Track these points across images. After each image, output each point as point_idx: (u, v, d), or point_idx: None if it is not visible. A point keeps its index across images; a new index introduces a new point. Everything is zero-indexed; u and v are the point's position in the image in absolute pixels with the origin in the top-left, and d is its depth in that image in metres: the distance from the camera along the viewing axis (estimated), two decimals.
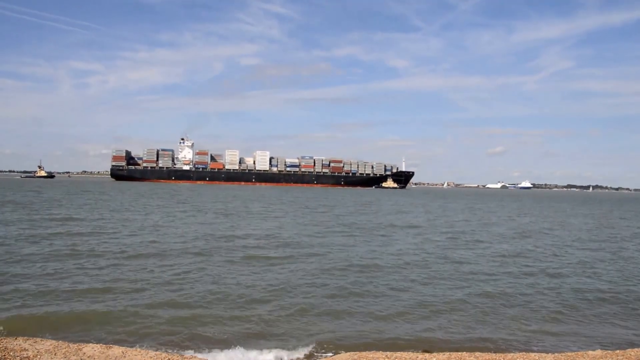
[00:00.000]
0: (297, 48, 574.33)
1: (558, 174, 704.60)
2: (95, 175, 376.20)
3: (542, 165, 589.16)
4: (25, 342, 9.31)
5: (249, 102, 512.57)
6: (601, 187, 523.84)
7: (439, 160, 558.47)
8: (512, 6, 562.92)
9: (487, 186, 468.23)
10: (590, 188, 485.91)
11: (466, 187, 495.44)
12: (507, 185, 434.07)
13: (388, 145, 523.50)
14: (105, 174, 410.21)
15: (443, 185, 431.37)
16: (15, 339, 9.44)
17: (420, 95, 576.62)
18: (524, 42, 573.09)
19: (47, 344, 9.31)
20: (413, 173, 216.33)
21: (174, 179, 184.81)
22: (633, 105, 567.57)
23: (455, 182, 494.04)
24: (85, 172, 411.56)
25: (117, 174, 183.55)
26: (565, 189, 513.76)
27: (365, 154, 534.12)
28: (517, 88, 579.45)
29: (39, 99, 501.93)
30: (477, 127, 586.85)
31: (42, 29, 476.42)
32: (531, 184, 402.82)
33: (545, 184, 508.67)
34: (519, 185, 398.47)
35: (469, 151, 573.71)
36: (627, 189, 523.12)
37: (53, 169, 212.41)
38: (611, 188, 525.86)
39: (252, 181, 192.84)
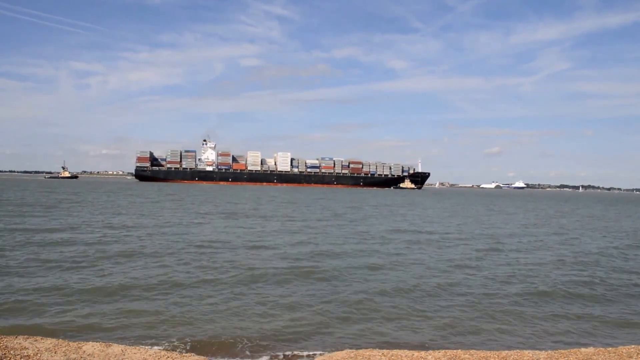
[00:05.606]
0: (297, 49, 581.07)
1: (552, 174, 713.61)
2: (116, 176, 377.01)
3: (537, 165, 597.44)
4: (26, 340, 9.36)
5: (248, 103, 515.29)
6: (593, 187, 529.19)
7: (436, 160, 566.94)
8: (510, 8, 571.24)
9: (481, 186, 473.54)
10: (580, 188, 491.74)
11: (461, 187, 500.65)
12: (501, 186, 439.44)
13: (386, 145, 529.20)
14: (105, 174, 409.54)
15: (435, 185, 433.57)
16: (16, 337, 9.49)
17: (418, 96, 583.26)
18: (521, 44, 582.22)
19: (47, 342, 9.38)
20: (429, 174, 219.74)
21: (197, 180, 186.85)
22: (628, 107, 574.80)
23: (451, 182, 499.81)
24: (85, 172, 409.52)
25: (141, 175, 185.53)
26: (558, 189, 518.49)
27: (363, 154, 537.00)
28: (514, 89, 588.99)
29: (40, 99, 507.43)
30: (473, 127, 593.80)
31: (44, 30, 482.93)
32: (525, 184, 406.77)
33: (539, 184, 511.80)
34: (513, 185, 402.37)
35: (466, 152, 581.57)
36: (619, 189, 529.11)
37: (53, 169, 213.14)
38: (603, 188, 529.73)
39: (273, 182, 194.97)
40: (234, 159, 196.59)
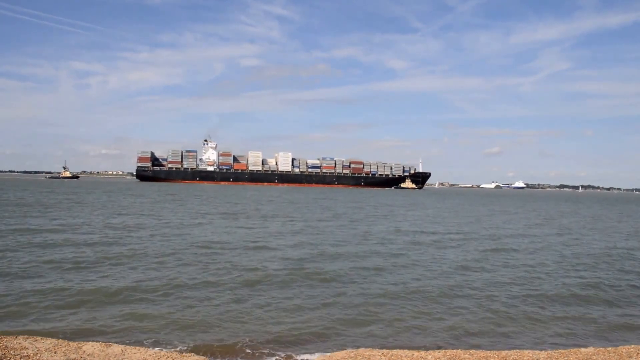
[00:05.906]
0: (297, 49, 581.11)
1: (552, 174, 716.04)
2: (116, 176, 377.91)
3: (537, 165, 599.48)
4: (25, 340, 9.37)
5: (248, 103, 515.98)
6: (593, 187, 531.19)
7: (436, 160, 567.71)
8: (510, 8, 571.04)
9: (481, 186, 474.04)
10: (580, 188, 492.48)
11: (461, 187, 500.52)
12: (501, 185, 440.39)
13: (386, 145, 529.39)
14: (105, 174, 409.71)
15: (435, 185, 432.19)
16: (16, 337, 9.49)
17: (418, 96, 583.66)
18: (521, 44, 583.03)
19: (47, 342, 9.40)
20: (430, 174, 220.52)
21: (198, 180, 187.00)
22: (628, 107, 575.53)
23: (451, 182, 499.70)
24: (84, 172, 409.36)
25: (142, 175, 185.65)
26: (557, 189, 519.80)
27: (363, 154, 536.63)
28: (514, 89, 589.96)
29: (40, 99, 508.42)
30: (473, 127, 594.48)
31: (44, 30, 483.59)
32: (524, 184, 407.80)
33: (539, 184, 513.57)
34: (513, 186, 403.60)
35: (466, 152, 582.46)
36: (618, 189, 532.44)
37: (53, 169, 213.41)
38: (603, 188, 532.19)
39: (274, 182, 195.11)
40: (235, 159, 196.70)
